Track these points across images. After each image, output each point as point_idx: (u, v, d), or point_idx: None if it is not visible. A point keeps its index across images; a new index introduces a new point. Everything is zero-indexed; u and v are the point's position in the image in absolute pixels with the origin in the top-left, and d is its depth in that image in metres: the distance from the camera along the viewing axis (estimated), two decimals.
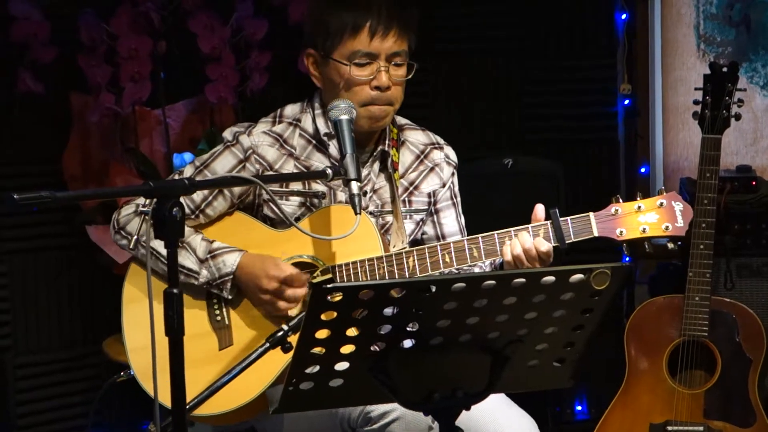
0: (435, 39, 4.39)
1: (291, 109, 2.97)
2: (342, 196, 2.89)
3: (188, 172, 2.89)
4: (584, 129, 4.52)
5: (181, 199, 2.16)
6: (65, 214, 3.96)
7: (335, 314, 2.01)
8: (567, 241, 2.70)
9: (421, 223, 3.01)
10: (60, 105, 3.92)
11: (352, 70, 2.82)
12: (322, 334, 2.03)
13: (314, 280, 2.79)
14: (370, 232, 2.78)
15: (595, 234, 2.70)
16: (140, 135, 3.94)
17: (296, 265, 2.81)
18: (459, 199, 3.08)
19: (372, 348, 2.09)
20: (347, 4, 2.83)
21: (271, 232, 2.89)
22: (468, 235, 2.90)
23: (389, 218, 2.95)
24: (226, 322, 2.84)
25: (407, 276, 2.73)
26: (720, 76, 3.53)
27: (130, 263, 2.92)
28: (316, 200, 2.90)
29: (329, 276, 2.79)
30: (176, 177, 2.93)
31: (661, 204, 2.70)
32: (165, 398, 2.17)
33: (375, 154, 2.94)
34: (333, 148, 2.90)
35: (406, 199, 2.98)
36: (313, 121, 2.93)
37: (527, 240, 2.68)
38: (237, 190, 2.89)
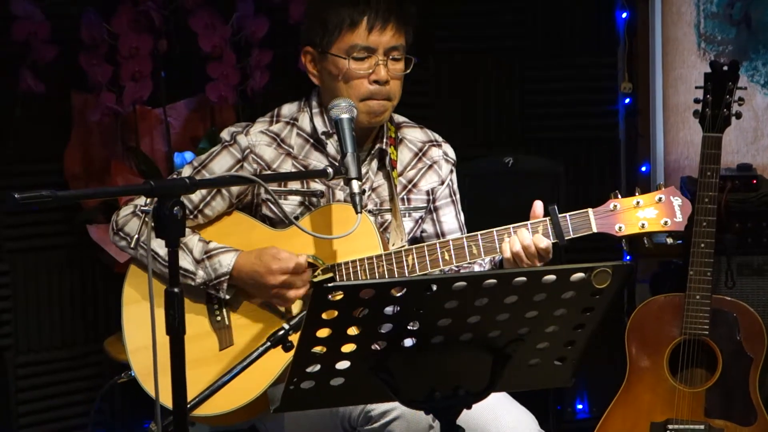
0: (435, 38, 4.39)
1: (288, 109, 2.96)
2: (341, 194, 2.89)
3: (186, 172, 2.89)
4: (585, 128, 4.51)
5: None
6: (66, 214, 3.95)
7: (336, 313, 2.00)
8: (566, 238, 2.69)
9: (420, 220, 3.01)
10: (61, 104, 3.92)
11: (351, 64, 2.82)
12: (323, 333, 2.03)
13: (315, 279, 2.79)
14: (369, 231, 2.77)
15: (594, 230, 2.68)
16: (141, 134, 3.94)
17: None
18: (458, 196, 3.07)
19: (373, 347, 2.09)
20: (345, 0, 2.83)
21: (271, 231, 2.88)
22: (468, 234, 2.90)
23: (388, 216, 2.94)
24: (226, 323, 2.84)
25: (407, 274, 2.73)
26: (721, 75, 3.52)
27: (129, 265, 2.92)
28: (314, 199, 2.89)
29: (330, 275, 2.79)
30: (175, 177, 2.93)
31: (660, 199, 2.69)
32: (166, 398, 2.17)
33: (373, 152, 2.94)
34: (331, 146, 2.90)
35: (405, 197, 2.98)
36: (311, 120, 2.92)
37: (526, 237, 2.67)
38: (235, 189, 2.88)
